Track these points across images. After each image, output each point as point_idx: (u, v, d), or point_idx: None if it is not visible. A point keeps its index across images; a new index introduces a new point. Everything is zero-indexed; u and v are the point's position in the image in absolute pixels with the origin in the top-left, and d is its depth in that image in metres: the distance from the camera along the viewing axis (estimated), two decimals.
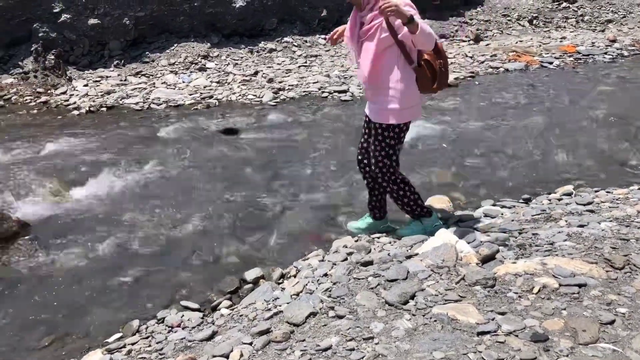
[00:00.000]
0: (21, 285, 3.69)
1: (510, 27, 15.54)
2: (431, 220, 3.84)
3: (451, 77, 10.08)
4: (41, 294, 3.55)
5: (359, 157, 3.94)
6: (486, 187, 5.22)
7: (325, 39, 13.42)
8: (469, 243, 3.31)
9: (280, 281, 3.39)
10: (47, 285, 3.66)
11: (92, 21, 11.16)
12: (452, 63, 11.44)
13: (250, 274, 3.49)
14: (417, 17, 3.09)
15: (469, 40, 14.03)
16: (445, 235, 3.39)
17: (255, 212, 4.68)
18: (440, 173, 5.56)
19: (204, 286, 3.53)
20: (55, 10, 11.06)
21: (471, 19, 15.55)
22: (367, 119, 3.81)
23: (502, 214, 4.19)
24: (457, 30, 14.77)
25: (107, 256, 4.01)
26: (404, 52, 3.36)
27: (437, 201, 4.44)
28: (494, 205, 4.57)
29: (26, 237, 4.33)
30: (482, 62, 11.54)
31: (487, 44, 13.56)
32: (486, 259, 3.00)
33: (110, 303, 3.40)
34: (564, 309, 2.35)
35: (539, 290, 2.51)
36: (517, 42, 13.75)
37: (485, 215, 4.19)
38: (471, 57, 11.98)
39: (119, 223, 4.55)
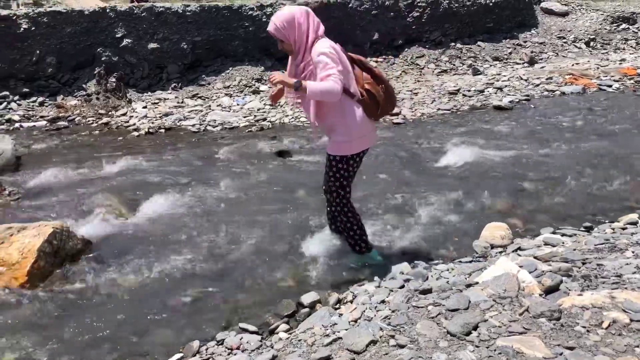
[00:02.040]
0: (85, 302, 3.81)
1: (566, 49, 15.26)
2: (370, 257, 4.08)
3: (505, 100, 9.98)
4: (104, 311, 3.66)
5: (324, 187, 4.05)
6: (545, 213, 5.11)
7: (376, 61, 13.50)
8: (530, 272, 3.23)
9: (337, 306, 3.38)
10: (110, 303, 3.77)
11: (151, 45, 11.58)
12: (506, 86, 11.29)
13: (307, 298, 3.50)
14: (321, 74, 3.33)
15: (523, 63, 13.84)
16: (505, 264, 3.32)
17: (308, 234, 4.70)
18: (497, 199, 5.46)
19: (261, 308, 3.56)
20: (117, 36, 11.53)
21: (525, 42, 15.34)
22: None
23: (563, 243, 4.08)
24: (510, 53, 14.59)
25: (167, 276, 4.10)
26: (343, 90, 3.46)
27: (495, 228, 4.37)
28: (553, 233, 4.45)
29: (89, 255, 4.47)
30: (538, 85, 11.34)
31: (542, 67, 13.35)
32: (550, 290, 2.92)
33: (171, 323, 3.47)
34: (637, 347, 2.26)
35: (608, 325, 2.42)
36: (573, 65, 13.47)
37: (546, 244, 4.09)
38: (526, 80, 11.80)
39: (177, 243, 4.66)
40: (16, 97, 10.77)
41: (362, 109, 3.62)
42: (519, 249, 4.00)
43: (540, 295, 2.88)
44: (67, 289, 3.99)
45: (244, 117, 9.48)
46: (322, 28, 3.57)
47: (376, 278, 3.70)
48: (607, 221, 4.71)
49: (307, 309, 3.43)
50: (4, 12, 11.42)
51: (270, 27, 3.51)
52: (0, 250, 4.08)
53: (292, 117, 9.45)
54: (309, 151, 7.55)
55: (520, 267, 3.31)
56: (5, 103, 10.58)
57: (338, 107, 3.57)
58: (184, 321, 3.48)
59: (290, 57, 3.66)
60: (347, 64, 3.58)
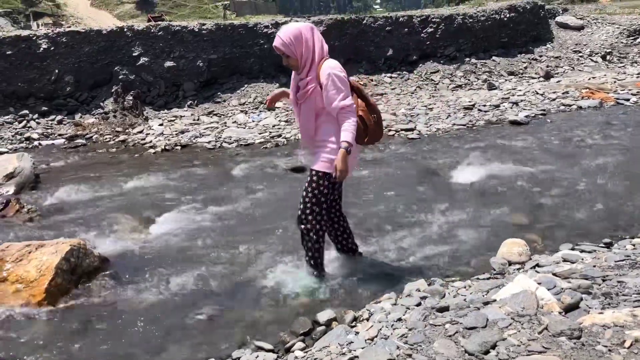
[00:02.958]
0: (102, 320, 3.82)
1: (582, 63, 15.18)
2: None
3: (521, 115, 9.92)
4: (120, 329, 3.66)
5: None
6: (563, 229, 5.03)
7: (391, 77, 13.52)
8: (549, 290, 3.18)
9: (353, 324, 3.35)
10: (126, 321, 3.77)
11: (168, 64, 11.73)
12: (522, 100, 11.25)
13: (323, 316, 3.47)
14: (340, 104, 3.47)
15: (539, 77, 13.78)
16: (524, 281, 3.27)
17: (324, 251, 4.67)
18: (514, 214, 5.41)
19: (277, 326, 3.54)
20: (134, 54, 11.70)
21: (541, 56, 15.29)
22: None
23: (582, 259, 4.01)
24: (526, 67, 14.54)
25: (183, 292, 4.10)
26: None
27: (513, 245, 4.31)
28: (572, 249, 4.38)
29: (106, 273, 4.48)
30: (554, 100, 11.29)
31: (558, 81, 13.29)
32: (570, 308, 2.87)
33: (187, 340, 3.46)
34: None
35: (631, 345, 2.37)
36: (589, 79, 13.39)
37: (564, 260, 4.02)
38: (542, 95, 11.75)
39: (193, 259, 4.66)
40: (35, 116, 10.96)
41: None
42: (537, 265, 3.94)
43: (560, 313, 2.83)
44: (84, 306, 4.00)
45: (259, 133, 9.53)
46: (326, 47, 3.63)
47: (392, 295, 3.66)
48: (627, 237, 4.63)
49: (323, 327, 3.40)
50: (25, 33, 11.66)
51: (277, 42, 3.53)
52: (18, 267, 4.11)
53: None
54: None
55: (539, 284, 3.26)
56: (24, 121, 10.77)
57: (332, 126, 3.63)
58: (200, 339, 3.47)
59: (293, 72, 3.72)
60: (349, 88, 3.65)
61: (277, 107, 10.22)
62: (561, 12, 19.77)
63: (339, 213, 4.14)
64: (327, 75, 3.47)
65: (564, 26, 17.77)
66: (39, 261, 4.14)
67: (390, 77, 13.56)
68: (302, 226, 3.87)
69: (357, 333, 3.09)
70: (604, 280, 3.29)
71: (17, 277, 4.06)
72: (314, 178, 3.74)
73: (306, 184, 3.80)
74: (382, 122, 3.88)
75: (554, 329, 2.57)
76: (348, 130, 3.49)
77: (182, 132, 9.90)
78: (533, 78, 13.88)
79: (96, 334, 3.62)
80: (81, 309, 3.95)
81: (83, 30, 11.94)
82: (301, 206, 3.83)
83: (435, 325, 2.83)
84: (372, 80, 13.36)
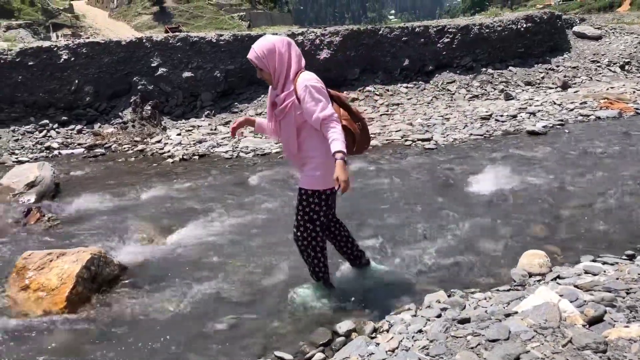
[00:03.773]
0: (121, 328, 3.84)
1: (600, 73, 15.07)
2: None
3: (539, 125, 9.86)
4: (140, 337, 3.67)
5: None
6: (583, 241, 4.98)
7: (407, 87, 13.53)
8: (571, 302, 3.14)
9: (374, 335, 3.33)
10: (145, 329, 3.79)
11: (186, 74, 11.84)
12: (539, 111, 11.18)
13: (343, 327, 3.46)
14: (321, 114, 3.33)
15: (556, 87, 13.70)
16: (545, 293, 3.24)
17: (341, 261, 4.67)
18: (533, 225, 5.36)
19: (296, 336, 3.54)
20: (153, 65, 11.84)
21: (558, 66, 15.21)
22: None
23: (604, 271, 3.96)
24: (543, 78, 14.47)
25: (201, 302, 4.11)
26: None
27: (533, 256, 4.27)
28: (594, 261, 4.33)
29: (126, 281, 4.52)
30: (572, 110, 11.21)
31: (576, 91, 13.20)
32: (593, 321, 2.83)
33: (206, 350, 3.46)
34: None
35: None
36: (608, 89, 13.28)
37: (586, 272, 3.98)
38: (559, 105, 11.68)
39: (212, 268, 4.68)
40: (55, 125, 11.12)
41: None
42: (558, 277, 3.90)
43: (584, 326, 2.80)
44: (104, 314, 4.03)
45: (276, 143, 9.57)
46: (303, 61, 3.55)
47: (412, 306, 3.64)
48: None
49: (342, 338, 3.38)
50: (46, 44, 11.85)
51: (250, 55, 3.46)
52: (40, 275, 4.16)
53: None
54: None
55: (561, 296, 3.23)
56: (45, 131, 10.92)
57: (315, 140, 3.53)
58: (219, 348, 3.48)
59: (270, 88, 3.63)
60: (328, 98, 3.55)
61: (244, 136, 10.20)
62: (578, 21, 19.68)
63: (338, 224, 4.07)
64: (304, 88, 3.37)
65: (582, 36, 17.67)
66: (61, 269, 4.19)
67: (407, 87, 13.56)
68: (299, 243, 3.84)
69: (377, 344, 3.08)
70: (628, 293, 3.25)
71: (39, 285, 4.11)
72: (304, 197, 3.67)
73: (297, 202, 3.74)
74: (368, 129, 3.77)
75: (579, 342, 2.54)
76: (337, 140, 3.31)
77: (200, 141, 9.97)
78: (550, 88, 13.80)
79: (116, 342, 3.64)
80: (101, 317, 3.97)
81: (103, 41, 12.11)
82: (295, 223, 3.79)
83: (457, 337, 2.81)
84: (388, 90, 13.38)
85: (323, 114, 3.34)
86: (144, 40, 12.20)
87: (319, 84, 3.43)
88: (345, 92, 13.07)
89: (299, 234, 3.79)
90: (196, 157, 9.15)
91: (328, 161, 3.50)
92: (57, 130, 11.02)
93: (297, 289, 4.11)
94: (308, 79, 3.42)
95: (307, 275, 4.36)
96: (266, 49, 3.42)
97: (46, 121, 11.13)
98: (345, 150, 3.31)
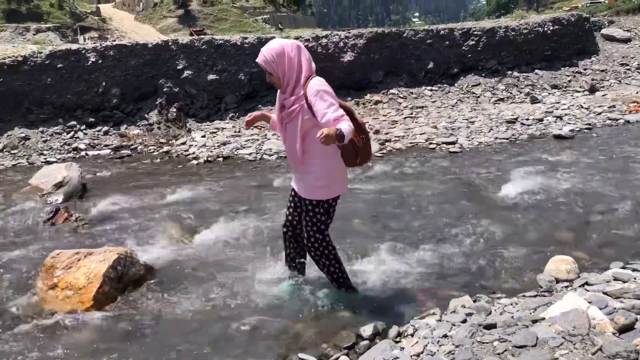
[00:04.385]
0: (146, 328, 3.87)
1: (629, 77, 14.81)
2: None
3: (566, 129, 9.73)
4: (164, 338, 3.70)
5: (284, 229, 4.08)
6: (612, 247, 4.89)
7: (431, 90, 13.46)
8: (600, 309, 3.09)
9: (398, 339, 3.32)
10: (170, 330, 3.82)
11: (210, 77, 11.94)
12: (566, 114, 11.04)
13: (367, 330, 3.45)
14: (333, 115, 3.27)
15: (583, 91, 13.50)
16: (574, 300, 3.19)
17: (365, 264, 4.66)
18: (560, 230, 5.29)
19: (320, 338, 3.53)
20: (178, 67, 11.97)
21: (585, 69, 14.98)
22: (293, 193, 3.93)
23: (634, 279, 3.88)
24: (570, 81, 14.27)
25: (226, 303, 4.13)
26: None
27: (560, 262, 4.21)
28: (623, 267, 4.25)
29: (151, 281, 4.56)
30: (599, 114, 11.03)
31: (604, 95, 12.99)
32: (624, 329, 2.78)
33: (230, 351, 3.48)
34: None
35: None
36: (638, 92, 13.03)
37: (615, 279, 3.90)
38: (587, 109, 11.50)
39: (236, 270, 4.70)
40: (83, 127, 11.29)
41: (340, 154, 3.60)
42: (587, 284, 3.83)
43: (614, 334, 2.75)
44: (129, 314, 4.07)
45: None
46: (314, 65, 3.53)
47: (437, 311, 3.61)
48: None
49: (366, 341, 3.37)
50: (75, 47, 12.05)
51: (259, 59, 3.46)
52: (68, 274, 4.23)
53: None
54: (363, 180, 7.55)
55: (590, 303, 3.18)
56: (72, 132, 11.10)
57: (320, 147, 3.45)
58: (243, 349, 3.49)
59: (279, 91, 3.61)
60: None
61: (258, 127, 10.24)
62: (607, 24, 19.36)
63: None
64: (315, 92, 3.34)
65: (610, 38, 17.38)
66: (88, 269, 4.24)
67: (431, 90, 13.49)
68: (312, 254, 3.85)
69: (402, 349, 3.06)
70: None
71: (66, 284, 4.17)
72: (309, 207, 3.68)
73: (304, 214, 3.74)
74: (370, 143, 3.75)
75: (609, 351, 2.49)
76: (345, 124, 3.24)
77: (224, 143, 10.04)
78: (577, 92, 13.60)
79: (141, 342, 3.67)
80: (127, 317, 4.01)
81: (130, 44, 12.27)
82: (305, 235, 3.80)
83: (483, 343, 2.78)
84: (412, 93, 13.31)
85: (335, 114, 3.30)
86: (169, 43, 12.34)
87: (330, 89, 3.42)
88: (369, 94, 13.05)
89: (309, 245, 3.81)
90: (220, 159, 9.22)
91: (331, 170, 3.57)
92: (84, 131, 11.20)
93: (319, 291, 4.10)
94: (320, 84, 3.39)
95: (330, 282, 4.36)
96: (275, 53, 3.42)
97: (74, 122, 11.32)
98: (346, 131, 3.20)
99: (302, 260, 4.16)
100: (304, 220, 3.78)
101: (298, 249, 4.09)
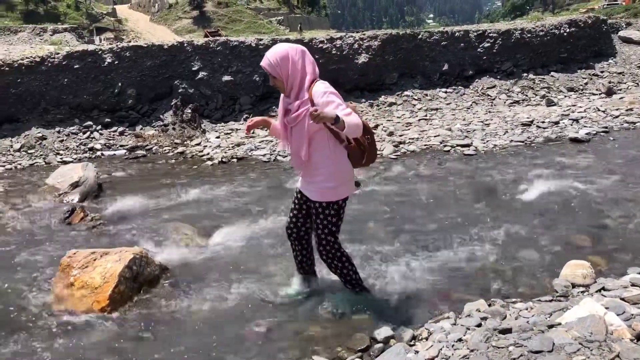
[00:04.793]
0: (161, 327, 3.90)
1: None
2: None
3: (582, 132, 9.64)
4: (178, 338, 3.73)
5: (288, 231, 4.06)
6: (629, 252, 4.83)
7: (446, 92, 13.40)
8: (618, 315, 3.06)
9: (412, 343, 3.31)
10: (184, 330, 3.84)
11: (225, 78, 11.99)
12: (582, 117, 10.94)
13: (381, 333, 3.44)
14: (341, 113, 3.24)
15: (600, 94, 13.37)
16: (590, 305, 3.16)
17: (380, 267, 4.65)
18: (576, 235, 5.23)
19: (334, 341, 3.53)
20: (194, 69, 12.03)
21: (602, 72, 14.84)
22: (298, 195, 3.92)
23: None
24: (586, 83, 14.13)
25: (240, 304, 4.14)
26: (334, 133, 3.50)
27: (577, 266, 4.17)
28: None
29: (166, 282, 4.59)
30: (617, 117, 10.92)
31: (621, 97, 12.84)
32: None
33: (244, 352, 3.49)
34: None
35: None
36: None
37: (633, 285, 3.86)
38: (603, 112, 11.38)
39: (250, 271, 4.71)
40: (99, 127, 11.39)
41: (347, 155, 3.61)
42: (603, 289, 3.79)
43: (632, 340, 2.72)
44: (144, 314, 4.10)
45: (284, 151, 9.61)
46: (317, 69, 3.55)
47: (451, 315, 3.60)
48: None
49: (381, 344, 3.37)
50: (91, 47, 12.16)
51: (264, 62, 3.50)
52: (84, 273, 4.26)
53: None
54: (379, 182, 7.54)
55: (607, 308, 3.15)
56: (88, 132, 11.19)
57: (327, 150, 3.54)
58: (257, 350, 3.50)
59: (282, 95, 3.64)
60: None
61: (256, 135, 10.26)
62: (625, 26, 19.16)
63: (309, 238, 4.05)
64: (323, 94, 3.36)
65: (628, 41, 17.20)
66: (104, 268, 4.28)
67: (445, 92, 13.43)
68: (324, 258, 3.86)
69: (416, 352, 3.06)
70: None
71: (82, 283, 4.21)
72: (320, 210, 3.69)
73: (314, 217, 3.76)
74: (376, 143, 3.76)
75: (627, 357, 2.47)
76: (352, 117, 3.27)
77: (238, 144, 10.08)
78: (594, 94, 13.46)
79: (155, 342, 3.70)
80: (141, 317, 4.04)
81: (145, 45, 12.36)
82: (317, 239, 3.80)
83: (499, 348, 2.76)
84: (426, 95, 13.27)
85: (344, 112, 3.29)
86: (185, 45, 12.41)
87: (335, 91, 3.44)
88: (383, 96, 13.02)
89: (321, 248, 3.82)
90: (235, 159, 9.25)
91: (338, 171, 3.58)
92: (100, 131, 11.29)
93: (333, 293, 4.10)
94: (325, 87, 3.42)
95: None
96: (279, 57, 3.44)
97: (90, 123, 11.41)
98: (344, 121, 3.20)
99: (310, 261, 4.17)
100: (314, 223, 3.79)
101: (303, 251, 4.11)
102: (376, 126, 11.08)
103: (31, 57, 11.70)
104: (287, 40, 12.33)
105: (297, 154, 3.61)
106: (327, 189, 3.61)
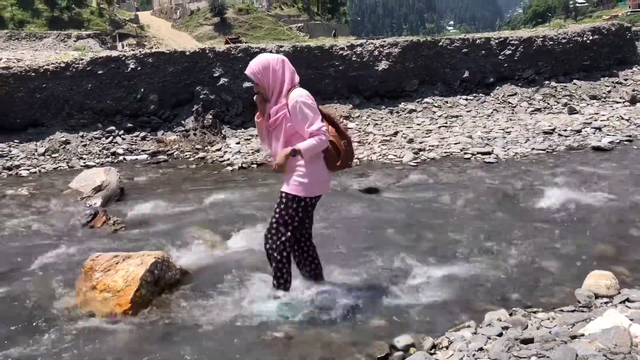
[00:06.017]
0: (181, 332, 3.93)
1: None
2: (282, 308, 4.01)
3: (605, 141, 9.52)
4: (199, 342, 3.75)
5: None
6: None
7: (467, 99, 13.34)
8: None
9: (432, 351, 3.29)
10: (205, 335, 3.86)
11: (246, 84, 12.07)
12: (605, 126, 10.81)
13: (401, 341, 3.43)
14: (310, 129, 3.60)
15: (624, 102, 13.19)
16: (614, 317, 3.12)
17: (400, 275, 4.64)
18: (599, 245, 5.17)
19: (353, 348, 3.52)
20: (215, 75, 12.14)
21: (626, 79, 14.64)
22: None
23: None
24: (609, 91, 13.96)
25: (260, 309, 4.15)
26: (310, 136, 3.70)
27: (600, 277, 4.12)
28: None
29: (187, 286, 4.62)
30: None
31: None
32: None
33: (263, 357, 3.50)
34: None
35: None
36: None
37: None
38: (627, 120, 11.24)
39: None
40: (121, 132, 11.54)
41: (323, 158, 3.81)
42: (627, 300, 3.74)
43: None
44: (165, 318, 4.12)
45: (265, 152, 9.62)
46: (297, 78, 3.79)
47: (472, 324, 3.57)
48: None
49: (400, 352, 3.35)
50: (115, 54, 12.34)
51: (248, 71, 3.74)
52: (106, 277, 4.32)
53: (380, 155, 9.48)
54: (397, 189, 7.52)
55: (631, 320, 3.10)
56: (111, 137, 11.34)
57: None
58: (277, 357, 3.51)
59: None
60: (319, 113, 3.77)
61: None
62: None
63: (308, 242, 4.20)
64: (295, 103, 3.63)
65: None
66: (126, 272, 4.33)
67: (466, 100, 13.37)
68: (267, 247, 3.96)
69: None
70: None
71: (105, 286, 4.26)
72: (283, 200, 3.85)
73: (275, 205, 3.91)
74: (353, 147, 4.02)
75: None
76: (306, 143, 3.62)
77: (258, 150, 10.14)
78: (617, 102, 13.29)
79: (176, 346, 3.72)
80: (162, 321, 4.07)
81: (168, 52, 12.51)
82: (268, 226, 3.95)
83: (520, 358, 2.74)
84: (447, 102, 13.22)
85: (311, 129, 3.61)
86: (207, 51, 12.53)
87: (309, 100, 3.67)
88: (403, 103, 13.00)
89: (269, 236, 3.94)
90: (254, 165, 9.31)
91: (314, 171, 3.76)
92: (122, 136, 11.44)
93: (354, 300, 4.11)
94: (300, 95, 3.67)
95: (363, 288, 4.36)
96: (261, 66, 3.70)
97: (112, 128, 11.57)
98: (302, 151, 3.62)
99: (313, 264, 4.25)
100: (273, 210, 3.93)
101: (304, 255, 4.21)
102: (395, 133, 11.06)
103: (56, 62, 11.91)
104: (308, 47, 12.41)
105: (276, 154, 3.83)
106: (299, 184, 3.77)
